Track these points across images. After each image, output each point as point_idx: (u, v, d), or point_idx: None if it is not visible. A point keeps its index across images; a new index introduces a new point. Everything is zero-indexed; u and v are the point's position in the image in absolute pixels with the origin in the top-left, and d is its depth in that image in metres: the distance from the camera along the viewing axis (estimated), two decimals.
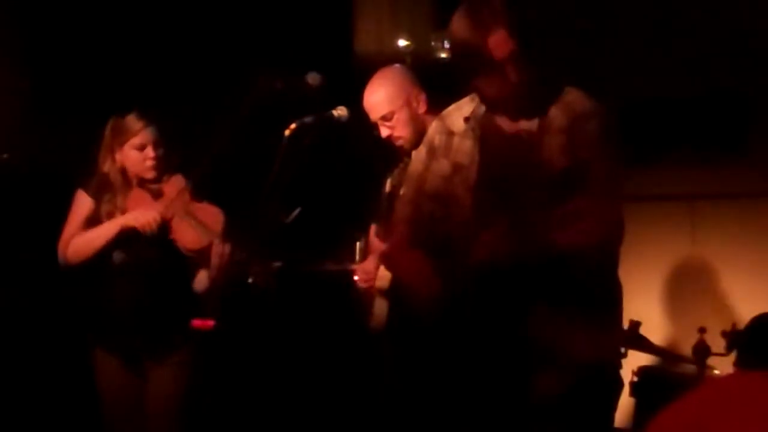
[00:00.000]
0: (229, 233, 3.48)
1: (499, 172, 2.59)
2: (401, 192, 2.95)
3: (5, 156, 4.11)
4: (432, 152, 2.74)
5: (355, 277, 3.46)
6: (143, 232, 3.41)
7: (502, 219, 2.49)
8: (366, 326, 3.43)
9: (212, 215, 3.52)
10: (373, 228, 3.48)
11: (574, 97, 2.57)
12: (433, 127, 2.79)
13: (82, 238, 3.44)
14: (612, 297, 2.63)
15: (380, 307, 3.36)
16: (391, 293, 3.29)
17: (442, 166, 2.70)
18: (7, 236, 4.08)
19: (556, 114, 2.55)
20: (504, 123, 2.63)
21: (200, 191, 3.55)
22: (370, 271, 3.37)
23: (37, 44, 4.16)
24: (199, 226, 3.47)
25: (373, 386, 3.47)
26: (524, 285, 2.51)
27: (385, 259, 3.11)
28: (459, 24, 2.54)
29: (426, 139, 2.80)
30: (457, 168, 2.67)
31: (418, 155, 2.83)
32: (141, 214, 3.42)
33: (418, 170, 2.78)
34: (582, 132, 2.51)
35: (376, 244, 3.40)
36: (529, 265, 2.46)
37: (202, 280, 3.55)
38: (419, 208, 2.75)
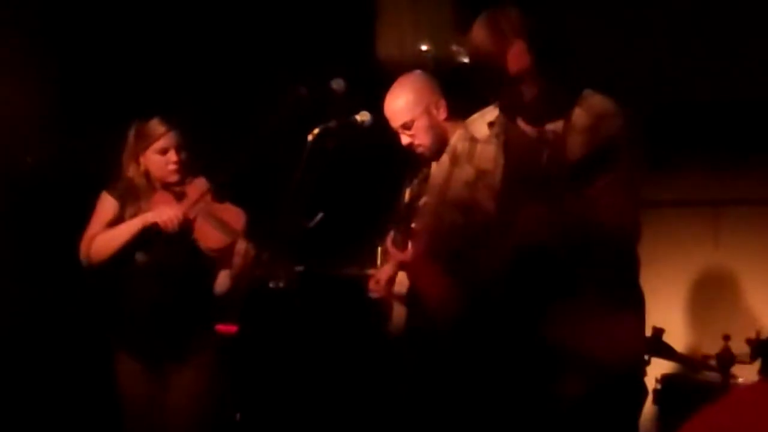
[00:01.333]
0: (251, 235, 3.48)
1: (524, 176, 2.60)
2: (423, 201, 2.95)
3: (29, 159, 4.13)
4: (455, 159, 2.76)
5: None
6: (164, 228, 3.42)
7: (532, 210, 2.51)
8: (385, 331, 3.42)
9: (234, 215, 3.53)
10: (390, 236, 3.48)
11: (596, 100, 2.61)
12: (457, 135, 2.81)
13: (105, 236, 3.45)
14: (634, 301, 2.63)
15: (399, 312, 3.36)
16: (409, 299, 3.28)
17: (466, 172, 2.71)
18: (31, 239, 4.10)
19: (579, 114, 2.58)
20: (527, 127, 2.64)
21: (224, 194, 3.56)
22: (381, 279, 3.36)
23: (62, 49, 4.18)
24: (220, 226, 3.48)
25: (392, 391, 3.46)
26: (545, 288, 2.52)
27: (407, 269, 3.11)
28: (479, 35, 2.57)
29: (449, 148, 2.82)
30: (480, 174, 2.68)
31: (441, 164, 2.84)
32: (163, 211, 3.43)
33: (440, 179, 2.79)
34: (604, 131, 2.54)
35: (393, 252, 3.40)
36: (552, 259, 2.47)
37: (223, 281, 3.55)
38: (441, 218, 2.76)
